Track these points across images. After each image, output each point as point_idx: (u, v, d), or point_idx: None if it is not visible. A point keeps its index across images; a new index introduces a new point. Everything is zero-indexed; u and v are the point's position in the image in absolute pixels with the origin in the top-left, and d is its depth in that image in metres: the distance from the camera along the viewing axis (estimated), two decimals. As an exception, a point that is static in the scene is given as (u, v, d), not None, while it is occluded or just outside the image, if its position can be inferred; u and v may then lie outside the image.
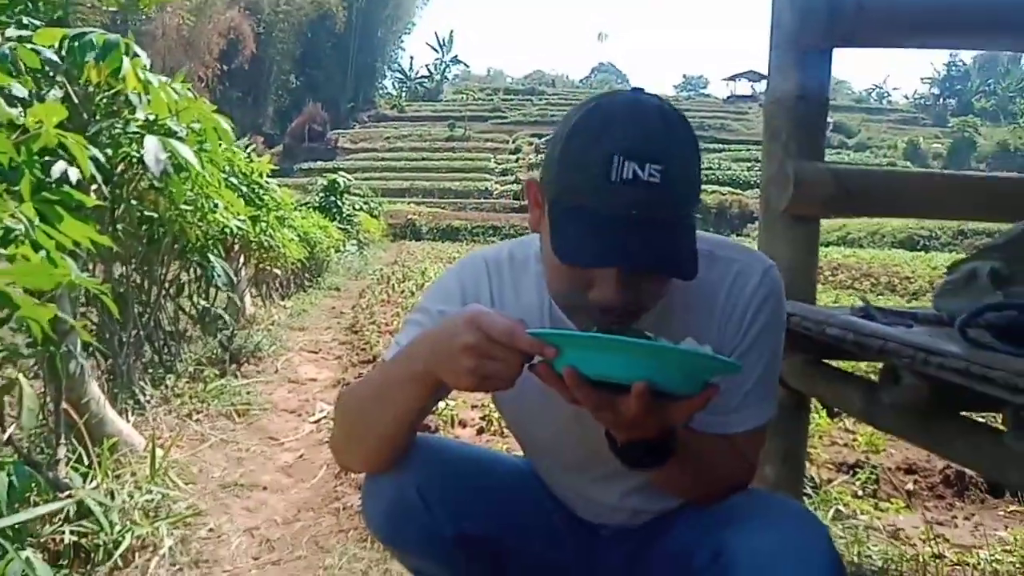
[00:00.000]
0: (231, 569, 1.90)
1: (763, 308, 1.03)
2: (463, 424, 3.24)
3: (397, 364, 0.96)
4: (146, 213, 2.67)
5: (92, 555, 1.80)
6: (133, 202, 2.51)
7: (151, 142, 1.96)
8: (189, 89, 2.51)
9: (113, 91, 2.14)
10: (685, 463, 0.95)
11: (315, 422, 3.33)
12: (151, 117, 2.18)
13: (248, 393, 3.55)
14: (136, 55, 2.09)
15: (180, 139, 2.16)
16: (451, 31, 68.07)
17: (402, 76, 67.24)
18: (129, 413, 2.70)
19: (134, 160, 2.19)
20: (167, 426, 2.81)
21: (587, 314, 0.90)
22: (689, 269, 0.87)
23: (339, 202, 13.88)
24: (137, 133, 2.10)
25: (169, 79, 2.29)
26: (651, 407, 0.78)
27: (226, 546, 2.02)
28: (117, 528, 1.86)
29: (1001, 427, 1.19)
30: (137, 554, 1.86)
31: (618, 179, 0.83)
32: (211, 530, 2.10)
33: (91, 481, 2.01)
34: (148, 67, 2.11)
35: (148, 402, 2.92)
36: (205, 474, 2.51)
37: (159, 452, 2.25)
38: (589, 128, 0.87)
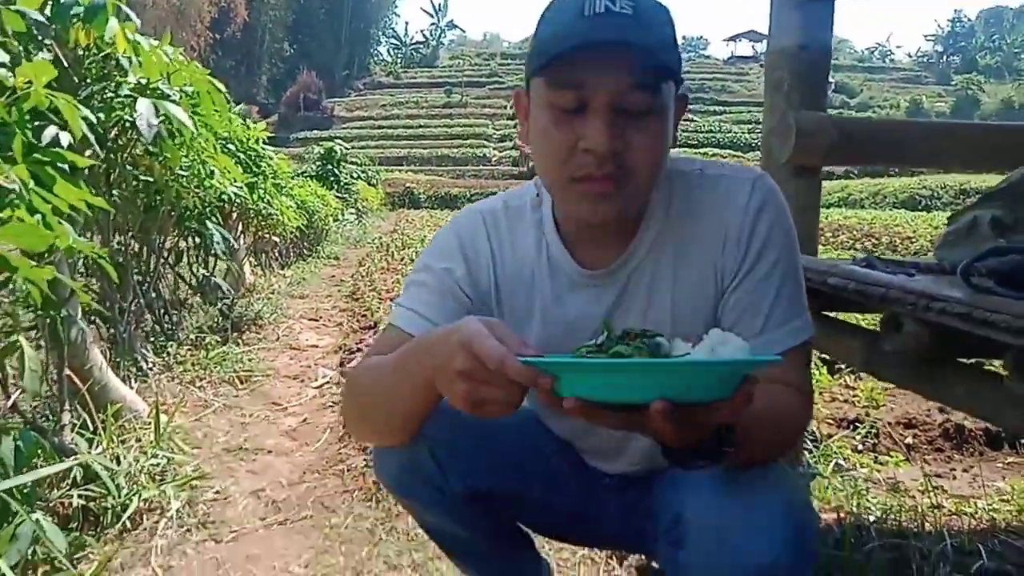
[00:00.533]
0: (238, 529, 1.92)
1: (760, 219, 0.97)
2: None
3: (400, 371, 0.89)
4: (142, 179, 2.64)
5: (101, 518, 1.83)
6: (128, 167, 2.49)
7: (143, 105, 1.93)
8: (181, 54, 2.48)
9: (103, 54, 2.10)
10: (752, 437, 0.82)
11: (318, 387, 3.35)
12: (143, 80, 2.15)
13: (250, 360, 3.57)
14: (128, 18, 2.06)
15: (174, 102, 2.13)
16: (447, -7, 66.99)
17: (397, 42, 66.33)
18: (132, 380, 2.72)
19: (127, 124, 2.16)
20: (170, 392, 2.83)
21: (579, 189, 0.90)
22: (666, 61, 0.86)
23: (336, 171, 13.78)
24: (129, 96, 2.07)
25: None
26: (681, 420, 0.67)
27: (233, 507, 2.04)
28: (124, 491, 1.88)
29: (1001, 372, 1.19)
30: (145, 516, 1.89)
31: (590, 12, 0.83)
32: (217, 492, 2.12)
33: (97, 446, 2.02)
34: (137, 29, 2.08)
35: (151, 369, 2.93)
36: (209, 439, 2.53)
37: (163, 418, 2.27)
38: None
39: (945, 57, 65.70)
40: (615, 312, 1.03)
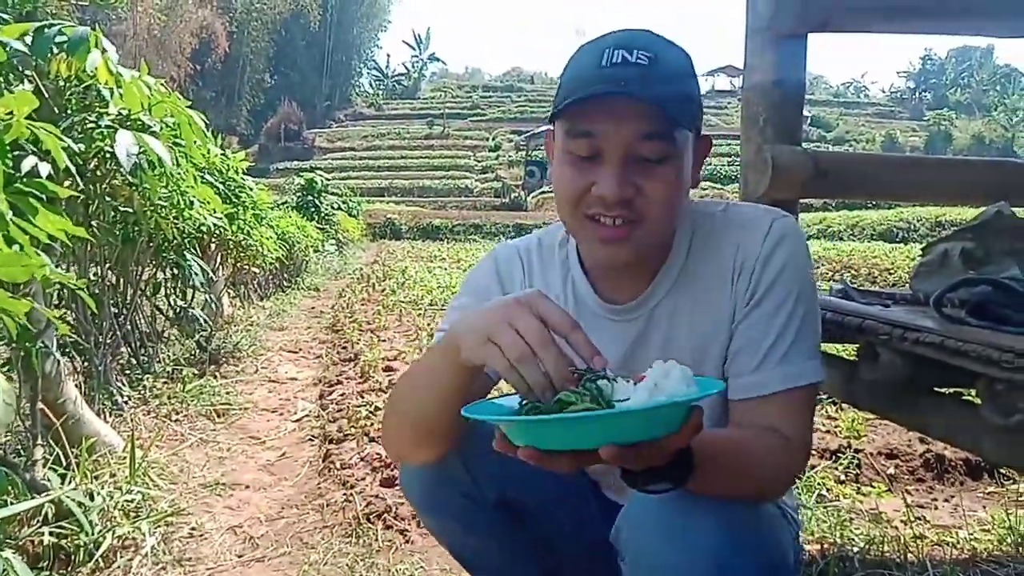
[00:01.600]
0: (215, 567, 1.88)
1: (775, 254, 0.97)
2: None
3: (437, 349, 0.92)
4: (121, 210, 2.63)
5: (73, 556, 1.78)
6: (107, 198, 2.47)
7: (123, 136, 1.93)
8: (162, 85, 2.48)
9: (84, 85, 2.10)
10: (715, 469, 0.82)
11: (296, 421, 3.31)
12: (124, 112, 2.14)
13: (228, 393, 3.52)
14: (105, 50, 2.06)
15: (154, 134, 2.13)
16: (428, 28, 67.97)
17: (379, 74, 66.88)
18: (107, 414, 2.66)
19: (107, 155, 2.15)
20: (146, 426, 2.78)
21: (592, 230, 0.94)
22: (679, 112, 0.88)
23: (317, 201, 13.78)
24: (110, 127, 2.06)
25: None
26: (633, 454, 0.69)
27: (209, 544, 2.00)
28: (97, 528, 1.83)
29: (975, 401, 1.21)
30: (119, 554, 1.84)
31: (608, 63, 0.88)
32: (193, 529, 2.07)
33: (70, 482, 1.97)
34: (117, 62, 2.08)
35: (126, 403, 2.88)
36: (186, 474, 2.48)
37: (138, 452, 2.22)
38: (585, 46, 0.94)
39: (917, 93, 67.51)
40: (637, 346, 1.05)
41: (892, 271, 10.05)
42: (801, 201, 1.85)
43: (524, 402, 0.77)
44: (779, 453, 0.93)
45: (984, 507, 2.28)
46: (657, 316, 1.04)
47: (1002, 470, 2.49)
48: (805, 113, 1.83)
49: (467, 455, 1.05)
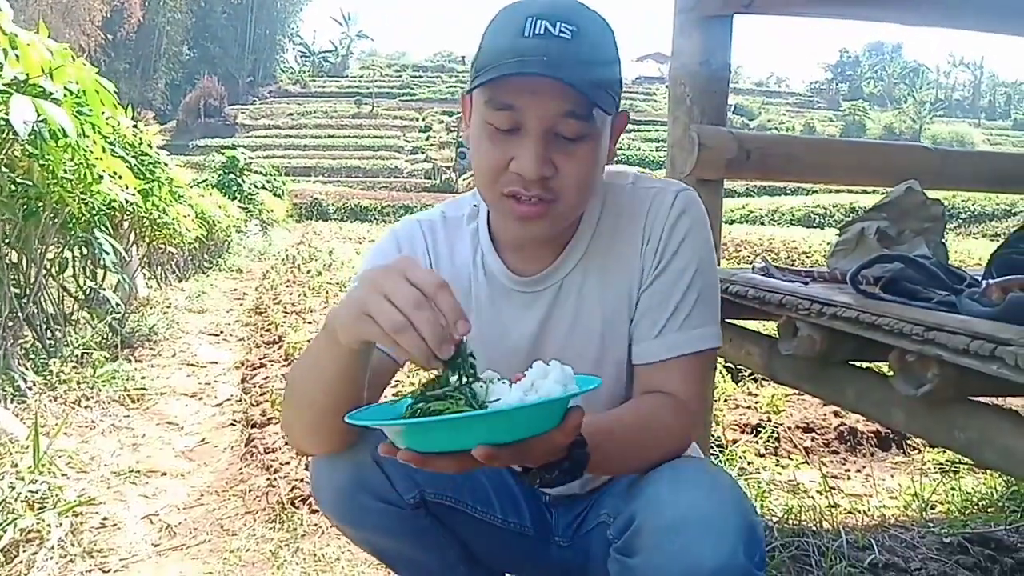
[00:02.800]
0: (128, 557, 1.79)
1: (679, 223, 1.00)
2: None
3: (319, 336, 0.89)
4: (20, 182, 2.45)
5: (-32, 551, 1.66)
6: (3, 170, 2.30)
7: (19, 101, 1.79)
8: (67, 49, 2.31)
9: (-26, 46, 1.94)
10: (611, 452, 0.85)
11: (217, 405, 3.19)
12: (20, 76, 1.99)
13: (143, 378, 3.36)
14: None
15: (56, 100, 1.99)
16: (356, 5, 66.23)
17: (305, 50, 64.97)
18: (8, 401, 2.51)
19: (1, 123, 1.99)
20: (52, 413, 2.62)
21: (509, 207, 0.92)
22: (597, 96, 0.87)
23: (239, 180, 13.34)
24: (4, 92, 1.91)
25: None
26: (514, 452, 0.70)
27: (122, 534, 1.90)
28: (-3, 521, 1.72)
29: (888, 374, 1.26)
30: (21, 547, 1.72)
31: (530, 34, 0.85)
32: (105, 519, 1.97)
33: (-36, 473, 1.84)
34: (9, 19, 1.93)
35: (30, 389, 2.71)
36: (97, 461, 2.35)
37: (43, 440, 2.09)
38: (508, 9, 0.90)
39: (835, 85, 70.42)
40: (548, 317, 1.05)
41: (809, 254, 10.48)
42: (724, 187, 1.88)
43: (412, 404, 0.76)
44: (672, 419, 0.96)
45: (892, 475, 2.41)
46: (567, 286, 1.05)
47: (908, 441, 2.64)
48: (729, 102, 1.87)
49: (381, 458, 1.01)
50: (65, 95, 2.20)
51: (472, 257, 1.08)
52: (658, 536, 0.82)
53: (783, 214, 19.85)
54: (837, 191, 19.56)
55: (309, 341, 1.06)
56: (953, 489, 2.15)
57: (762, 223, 19.32)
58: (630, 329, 1.03)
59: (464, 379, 0.73)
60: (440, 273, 1.04)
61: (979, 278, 1.25)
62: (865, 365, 1.45)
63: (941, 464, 2.41)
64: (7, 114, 1.89)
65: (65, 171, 2.50)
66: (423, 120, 43.99)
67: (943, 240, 1.57)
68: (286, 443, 2.50)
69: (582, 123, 0.89)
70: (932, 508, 2.07)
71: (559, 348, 1.04)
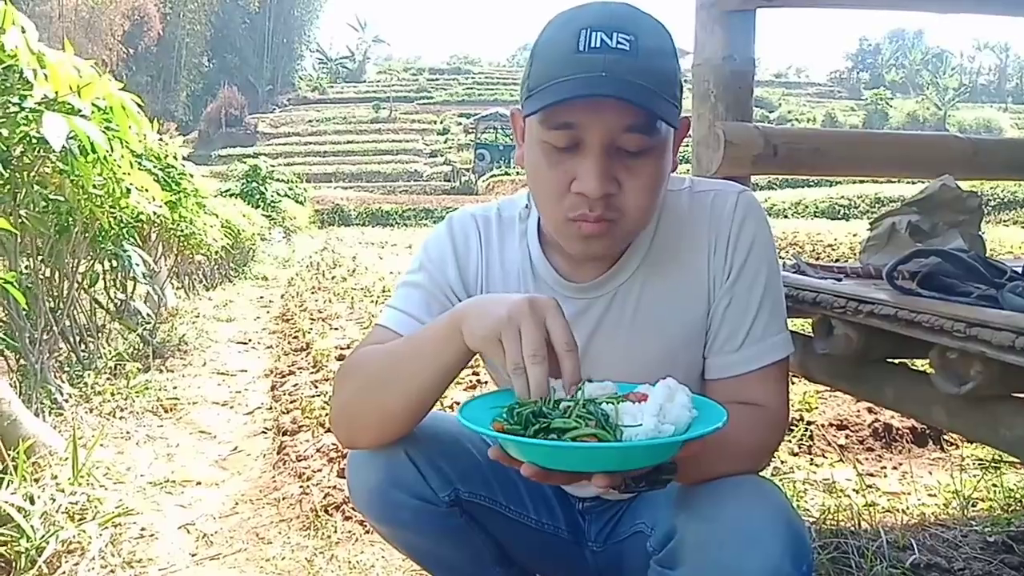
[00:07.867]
0: (167, 567, 1.82)
1: (744, 229, 0.99)
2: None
3: (436, 328, 0.90)
4: (52, 198, 2.49)
5: (14, 563, 1.69)
6: (36, 187, 2.34)
7: (51, 119, 1.81)
8: (92, 66, 2.35)
9: (5, 66, 1.97)
10: (699, 461, 0.82)
11: (248, 413, 3.22)
12: (50, 95, 2.02)
13: (175, 388, 3.40)
14: (24, 28, 1.94)
15: (85, 117, 2.02)
16: (371, 11, 66.64)
17: (322, 57, 65.47)
18: (46, 413, 2.55)
19: (34, 141, 2.03)
20: (89, 425, 2.66)
21: (575, 229, 0.90)
22: (660, 107, 0.83)
23: (262, 188, 13.45)
24: (35, 111, 1.94)
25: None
26: (622, 478, 0.74)
27: (160, 544, 1.93)
28: (40, 533, 1.74)
29: (927, 371, 1.24)
30: (64, 558, 1.76)
31: (585, 48, 0.82)
32: (143, 529, 1.99)
33: (7, 486, 1.88)
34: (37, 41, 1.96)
35: (66, 401, 2.75)
36: (133, 472, 2.39)
37: (81, 452, 2.13)
38: (558, 21, 0.88)
39: (856, 73, 69.45)
40: (603, 325, 1.03)
41: (835, 247, 10.33)
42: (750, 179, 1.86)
43: (516, 404, 0.78)
44: (760, 427, 0.96)
45: (930, 472, 2.36)
46: (622, 295, 1.02)
47: (945, 436, 2.59)
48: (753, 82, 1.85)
49: (415, 456, 1.01)
50: (93, 111, 2.23)
51: (522, 260, 1.06)
52: (701, 548, 0.81)
53: (806, 206, 19.58)
54: (862, 182, 19.25)
55: (351, 346, 1.06)
56: (995, 486, 2.10)
57: (786, 216, 19.08)
58: (706, 339, 1.01)
59: (585, 400, 0.76)
60: (489, 273, 1.07)
61: (1019, 270, 1.23)
62: (898, 361, 1.42)
63: (981, 460, 2.36)
64: (39, 132, 1.92)
65: (95, 186, 2.54)
66: (441, 123, 44.11)
67: (980, 233, 1.54)
68: (318, 450, 2.52)
69: (645, 137, 0.85)
70: (973, 506, 2.02)
71: (616, 358, 1.01)
